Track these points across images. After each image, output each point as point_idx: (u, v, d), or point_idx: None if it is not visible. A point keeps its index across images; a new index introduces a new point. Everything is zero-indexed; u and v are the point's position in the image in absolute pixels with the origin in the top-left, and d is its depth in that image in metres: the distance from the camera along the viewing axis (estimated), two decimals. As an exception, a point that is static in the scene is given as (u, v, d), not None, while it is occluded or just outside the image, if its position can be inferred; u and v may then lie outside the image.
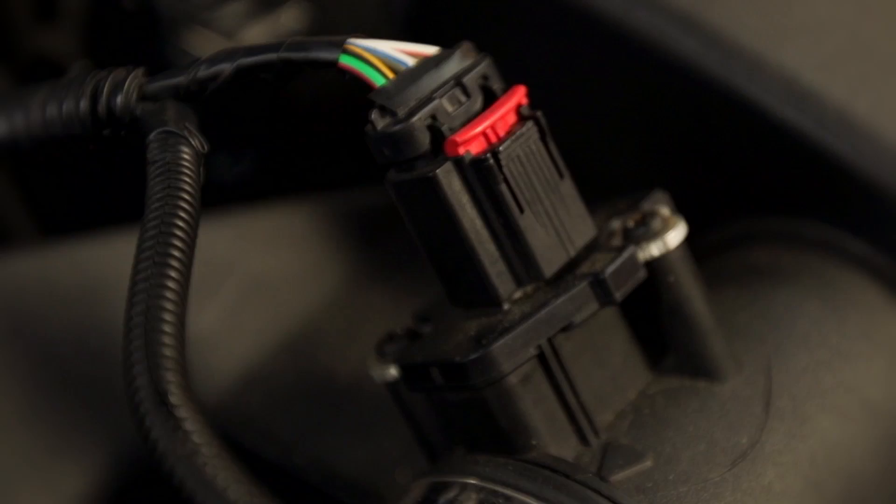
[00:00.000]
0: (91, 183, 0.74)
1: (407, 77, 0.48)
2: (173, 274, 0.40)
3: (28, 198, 0.76)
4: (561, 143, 0.49)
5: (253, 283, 0.68)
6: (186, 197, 0.43)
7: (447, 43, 0.50)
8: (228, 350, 0.66)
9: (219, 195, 0.71)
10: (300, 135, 0.75)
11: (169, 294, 0.40)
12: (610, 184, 0.61)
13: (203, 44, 0.73)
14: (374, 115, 0.48)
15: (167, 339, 0.39)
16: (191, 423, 0.37)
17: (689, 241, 0.51)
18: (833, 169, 0.57)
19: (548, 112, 0.49)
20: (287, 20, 0.74)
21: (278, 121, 0.75)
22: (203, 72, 0.48)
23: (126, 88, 0.49)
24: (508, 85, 0.49)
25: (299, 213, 0.71)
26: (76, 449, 0.63)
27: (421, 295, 0.54)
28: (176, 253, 0.41)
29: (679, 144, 0.61)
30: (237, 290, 0.68)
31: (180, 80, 0.49)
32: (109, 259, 0.64)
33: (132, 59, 0.74)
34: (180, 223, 0.42)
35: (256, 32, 0.73)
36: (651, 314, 0.51)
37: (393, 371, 0.51)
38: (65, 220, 0.77)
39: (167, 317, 0.39)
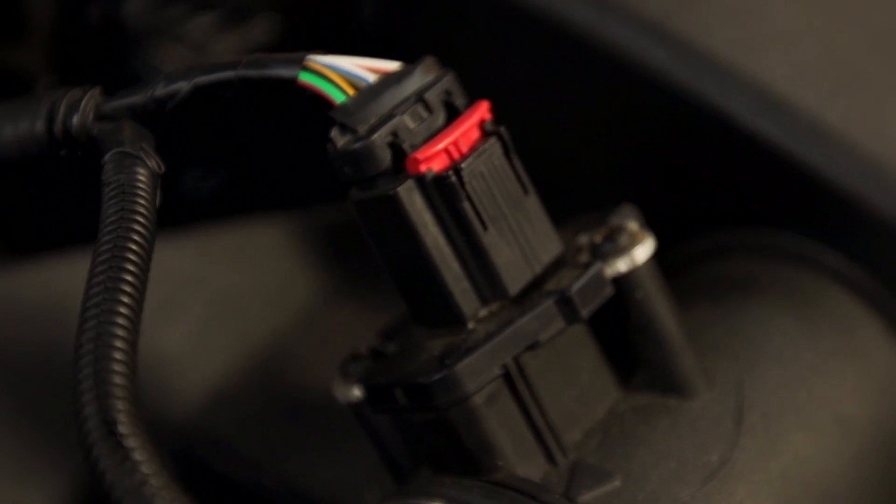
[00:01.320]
0: (56, 202, 0.73)
1: (368, 93, 0.47)
2: (125, 299, 0.40)
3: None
4: (528, 156, 0.49)
5: (221, 301, 0.67)
6: (141, 220, 0.42)
7: (416, 56, 0.49)
8: (196, 368, 0.66)
9: (189, 211, 0.71)
10: (270, 150, 0.75)
11: (120, 320, 0.39)
12: (579, 198, 0.60)
13: (172, 58, 0.73)
14: (335, 133, 0.47)
15: (117, 367, 0.38)
16: (140, 453, 0.36)
17: (659, 254, 0.50)
18: (805, 180, 0.56)
19: (515, 126, 0.48)
20: (257, 34, 0.73)
21: (248, 136, 0.74)
22: (160, 91, 0.48)
23: (82, 108, 0.48)
24: (473, 99, 0.49)
25: (268, 229, 0.71)
26: (38, 474, 0.62)
27: (390, 311, 0.53)
28: (128, 278, 0.40)
29: (650, 156, 0.61)
30: (205, 307, 0.67)
31: (137, 99, 0.48)
32: (74, 279, 0.63)
33: (100, 75, 0.74)
34: (133, 247, 0.41)
35: (225, 46, 0.72)
36: (620, 330, 0.51)
37: (357, 392, 0.50)
38: (28, 240, 0.77)
39: (118, 343, 0.38)
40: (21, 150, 0.48)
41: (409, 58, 0.49)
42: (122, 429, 0.37)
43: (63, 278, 0.65)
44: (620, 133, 0.61)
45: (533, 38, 0.60)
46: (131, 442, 0.37)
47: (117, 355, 0.38)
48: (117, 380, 0.38)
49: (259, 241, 0.70)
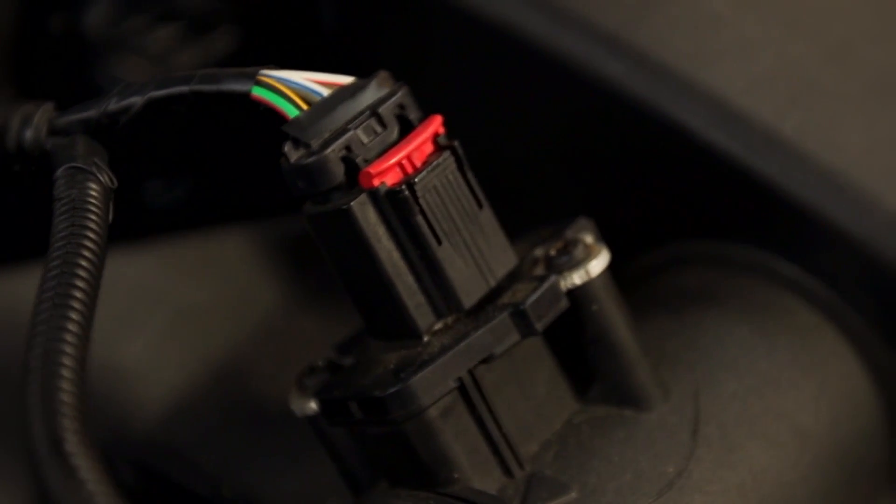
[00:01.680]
0: (10, 215, 0.73)
1: (321, 108, 0.47)
2: (74, 316, 0.40)
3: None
4: (483, 170, 0.49)
5: (181, 313, 0.67)
6: (91, 236, 0.42)
7: (375, 67, 0.49)
8: (156, 381, 0.66)
9: (148, 223, 0.71)
10: (230, 162, 0.74)
11: (68, 337, 0.39)
12: (534, 210, 0.60)
13: (132, 70, 0.73)
14: (288, 148, 0.47)
15: (64, 385, 0.38)
16: (85, 472, 0.36)
17: (616, 266, 0.50)
18: (761, 191, 0.57)
19: (470, 139, 0.48)
20: (218, 46, 0.73)
21: (207, 148, 0.74)
22: (114, 105, 0.48)
23: (35, 122, 0.48)
24: (427, 113, 0.49)
25: (228, 241, 0.71)
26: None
27: (351, 323, 0.53)
28: (77, 294, 0.40)
29: (606, 168, 0.61)
30: (165, 319, 0.67)
31: (91, 113, 0.48)
32: (28, 291, 0.63)
33: (60, 86, 0.73)
34: (83, 263, 0.41)
35: (186, 58, 0.72)
36: (576, 343, 0.51)
37: (313, 405, 0.50)
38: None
39: (66, 360, 0.38)
40: (-25, 164, 0.48)
41: (369, 69, 0.49)
42: (69, 447, 0.37)
43: (16, 290, 0.65)
44: (576, 145, 0.61)
45: (489, 50, 0.61)
46: (76, 460, 0.37)
47: (65, 372, 0.38)
48: (64, 397, 0.38)
49: (219, 253, 0.70)
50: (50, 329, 0.39)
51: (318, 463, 0.55)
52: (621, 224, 0.55)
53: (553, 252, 0.50)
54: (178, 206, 0.74)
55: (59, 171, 0.45)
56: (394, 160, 0.47)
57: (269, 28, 0.73)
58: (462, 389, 0.48)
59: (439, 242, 0.47)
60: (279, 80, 0.47)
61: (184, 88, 0.47)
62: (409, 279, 0.48)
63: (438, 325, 0.48)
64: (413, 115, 0.48)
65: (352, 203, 0.46)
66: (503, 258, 0.49)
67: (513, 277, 0.50)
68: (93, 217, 0.43)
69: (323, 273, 0.68)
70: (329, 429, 0.51)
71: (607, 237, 0.52)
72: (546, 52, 0.59)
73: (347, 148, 0.47)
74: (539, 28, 0.59)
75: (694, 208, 0.59)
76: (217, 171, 0.75)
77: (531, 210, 0.60)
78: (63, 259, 0.41)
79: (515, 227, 0.51)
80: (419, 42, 0.64)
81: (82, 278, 0.41)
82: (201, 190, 0.75)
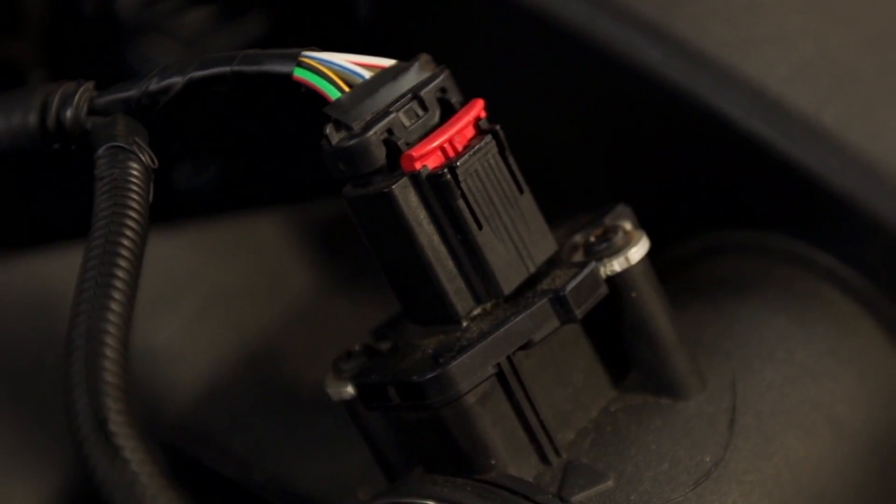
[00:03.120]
0: (48, 195, 0.73)
1: (363, 90, 0.47)
2: (116, 296, 0.39)
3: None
4: (522, 156, 0.48)
5: (214, 296, 0.67)
6: (133, 215, 0.42)
7: (409, 52, 0.49)
8: (188, 364, 0.65)
9: (182, 205, 0.71)
10: (264, 144, 0.74)
11: (111, 317, 0.39)
12: (573, 197, 0.60)
13: (164, 52, 0.72)
14: (329, 130, 0.47)
15: (108, 364, 0.38)
16: (130, 452, 0.36)
17: (653, 254, 0.50)
18: (800, 181, 0.56)
19: (509, 124, 0.48)
20: (250, 29, 0.73)
21: (242, 130, 0.74)
22: (154, 85, 0.48)
23: (76, 102, 0.48)
24: (468, 97, 0.48)
25: (261, 224, 0.71)
26: (28, 468, 0.62)
27: (385, 307, 0.53)
28: (120, 273, 0.40)
29: (644, 156, 0.60)
30: (197, 302, 0.67)
31: (131, 93, 0.48)
32: (66, 272, 0.63)
33: (94, 67, 0.73)
34: (126, 242, 0.41)
35: (219, 41, 0.72)
36: (614, 330, 0.50)
37: (350, 389, 0.50)
38: (19, 233, 0.76)
39: (109, 340, 0.38)
40: (13, 142, 0.48)
41: (403, 54, 0.49)
42: (113, 426, 0.36)
43: (54, 272, 0.65)
44: (615, 133, 0.61)
45: (528, 36, 0.60)
46: (121, 440, 0.36)
47: (108, 352, 0.38)
48: (108, 377, 0.37)
49: (252, 236, 0.70)
50: (94, 308, 0.39)
51: (350, 447, 0.55)
52: (658, 212, 0.55)
53: (592, 238, 0.50)
54: (209, 188, 0.74)
55: (101, 151, 0.45)
56: (436, 143, 0.47)
57: (303, 12, 0.73)
58: (500, 375, 0.48)
59: (480, 227, 0.47)
60: (321, 61, 0.47)
61: (225, 69, 0.47)
62: (449, 264, 0.47)
63: (477, 311, 0.48)
64: (454, 98, 0.48)
65: (393, 186, 0.46)
66: (543, 244, 0.49)
67: (552, 263, 0.49)
68: (135, 196, 0.43)
69: (355, 256, 0.68)
70: (365, 413, 0.51)
71: (644, 225, 0.51)
72: (584, 38, 0.58)
73: (389, 131, 0.46)
74: (578, 14, 0.59)
75: (731, 197, 0.59)
76: (249, 153, 0.75)
77: (568, 196, 0.60)
78: (106, 238, 0.41)
79: (552, 213, 0.50)
80: (455, 27, 0.63)
81: (125, 258, 0.41)
82: (233, 172, 0.75)
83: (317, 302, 0.68)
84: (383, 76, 0.48)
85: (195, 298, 0.67)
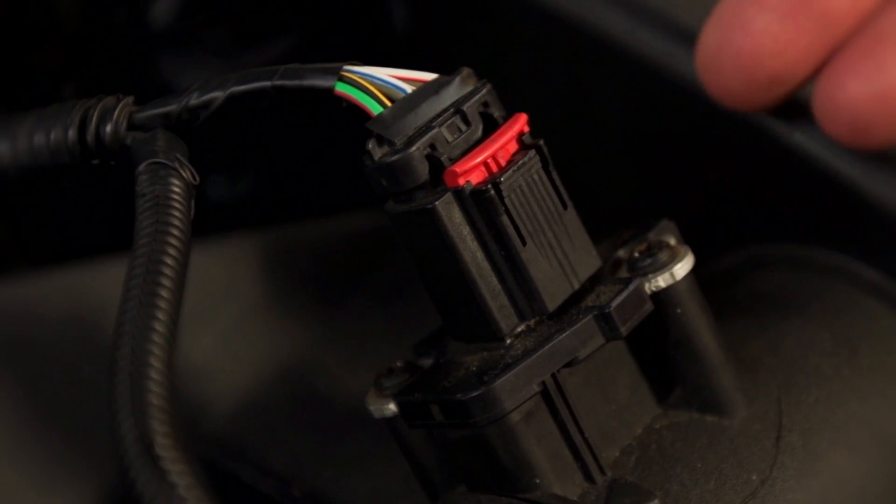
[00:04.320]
0: (85, 208, 0.73)
1: (405, 104, 0.47)
2: (161, 316, 0.39)
3: (18, 225, 0.75)
4: (564, 169, 0.48)
5: (250, 310, 0.67)
6: (176, 233, 0.42)
7: (446, 66, 0.48)
8: (225, 379, 0.65)
9: (218, 217, 0.70)
10: (300, 156, 0.74)
11: (156, 337, 0.38)
12: (614, 210, 0.59)
13: (198, 63, 0.72)
14: (372, 145, 0.46)
15: (153, 386, 0.37)
16: (177, 475, 0.36)
17: (696, 268, 0.49)
18: (844, 194, 0.55)
19: (550, 138, 0.47)
20: (285, 44, 0.72)
21: (278, 142, 0.74)
22: (195, 100, 0.47)
23: (115, 117, 0.47)
24: (510, 112, 0.48)
25: (298, 237, 0.70)
26: (64, 484, 0.61)
27: (422, 322, 0.52)
28: (163, 293, 0.40)
29: (686, 168, 0.60)
30: (234, 316, 0.66)
31: (171, 108, 0.47)
32: (102, 286, 0.63)
33: (126, 78, 0.73)
34: (169, 261, 0.41)
35: (253, 55, 0.72)
36: (658, 346, 0.50)
37: (392, 406, 0.49)
38: (57, 247, 0.76)
39: (154, 361, 0.38)
40: (53, 158, 0.48)
41: (440, 66, 0.49)
42: (160, 449, 0.36)
43: (89, 284, 0.65)
44: (656, 145, 0.60)
45: (567, 48, 0.60)
46: (168, 463, 0.36)
47: (153, 374, 0.38)
48: (154, 399, 0.37)
49: (289, 248, 0.70)
50: (138, 329, 0.38)
51: (390, 463, 0.55)
52: (701, 225, 0.54)
53: (637, 254, 0.49)
54: (244, 200, 0.73)
55: (142, 167, 0.45)
56: (479, 159, 0.46)
57: (339, 24, 0.72)
58: (545, 393, 0.47)
59: (524, 243, 0.46)
60: (363, 75, 0.47)
61: (266, 83, 0.47)
62: (493, 280, 0.47)
63: (521, 328, 0.47)
64: (497, 112, 0.48)
65: (437, 202, 0.46)
66: (587, 260, 0.48)
67: (595, 279, 0.49)
68: (177, 213, 0.43)
69: (392, 270, 0.68)
70: (407, 431, 0.50)
71: (686, 238, 0.51)
72: (625, 49, 0.58)
73: (432, 146, 0.46)
74: (618, 25, 0.58)
75: (775, 210, 0.58)
76: (285, 164, 0.75)
77: (609, 210, 0.59)
78: (149, 256, 0.41)
79: (594, 226, 0.50)
80: (494, 39, 0.63)
81: (168, 276, 0.40)
82: (269, 183, 0.74)
83: (354, 315, 0.68)
84: (425, 90, 0.47)
85: (232, 312, 0.66)
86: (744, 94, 0.53)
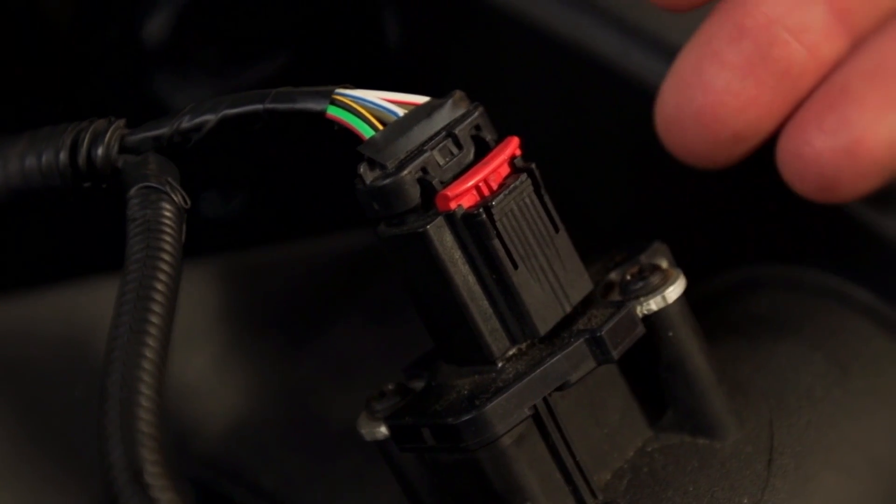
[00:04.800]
0: (75, 228, 0.73)
1: (396, 128, 0.47)
2: (151, 342, 0.39)
3: (9, 245, 0.75)
4: (555, 191, 0.48)
5: (242, 330, 0.67)
6: (167, 258, 0.42)
7: (440, 85, 0.48)
8: (217, 399, 0.65)
9: (208, 236, 0.70)
10: (291, 175, 0.74)
11: (146, 364, 0.38)
12: (607, 231, 0.59)
13: (191, 82, 0.72)
14: (363, 169, 0.46)
15: (143, 414, 0.37)
16: (167, 503, 0.36)
17: (688, 289, 0.49)
18: (836, 215, 0.55)
19: (542, 159, 0.47)
20: (278, 62, 0.72)
21: (269, 161, 0.73)
22: (186, 123, 0.47)
23: (107, 140, 0.47)
24: (502, 134, 0.48)
25: (290, 256, 0.70)
26: (55, 504, 0.61)
27: (415, 342, 0.52)
28: (154, 319, 0.40)
29: (679, 189, 0.60)
30: (226, 336, 0.66)
31: (163, 131, 0.47)
32: (96, 307, 0.63)
33: (118, 95, 0.73)
34: (159, 286, 0.41)
35: (246, 73, 0.72)
36: (649, 369, 0.50)
37: (383, 430, 0.49)
38: (50, 267, 0.76)
39: (144, 389, 0.38)
40: (44, 180, 0.48)
41: (433, 88, 0.49)
42: (150, 477, 0.36)
43: (82, 306, 0.65)
44: (647, 166, 0.60)
45: (560, 69, 0.60)
46: (158, 491, 0.36)
47: (143, 401, 0.37)
48: (144, 427, 0.37)
49: (281, 268, 0.70)
50: (128, 355, 0.38)
51: (382, 484, 0.55)
52: (693, 246, 0.54)
53: (628, 277, 0.49)
54: (236, 219, 0.73)
55: (133, 191, 0.45)
56: (471, 183, 0.46)
57: (332, 46, 0.72)
58: (536, 417, 0.47)
59: (516, 267, 0.46)
60: (354, 99, 0.47)
61: (258, 107, 0.47)
62: (484, 304, 0.47)
63: (512, 351, 0.47)
64: (489, 136, 0.48)
65: (428, 227, 0.46)
66: (579, 283, 0.48)
67: (587, 303, 0.49)
68: (168, 238, 0.43)
69: (385, 291, 0.68)
70: (399, 454, 0.50)
71: (676, 258, 0.51)
72: (618, 71, 0.58)
73: (423, 170, 0.46)
74: (611, 46, 0.58)
75: (767, 231, 0.58)
76: (277, 183, 0.74)
77: (602, 231, 0.59)
78: (139, 282, 0.41)
79: (585, 248, 0.50)
80: (486, 60, 0.63)
81: (159, 303, 0.40)
82: (260, 203, 0.74)
83: (347, 336, 0.67)
84: (417, 114, 0.47)
85: (223, 332, 0.66)
86: (706, 153, 0.53)
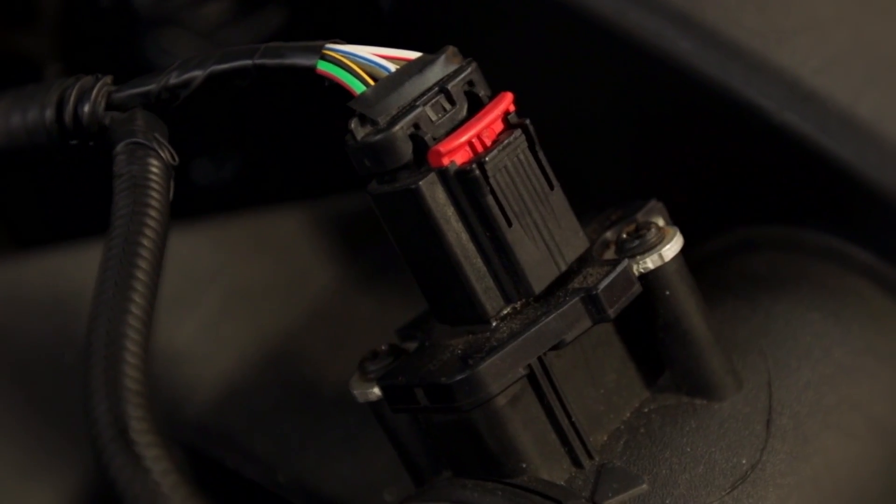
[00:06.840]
0: (66, 191, 0.72)
1: (388, 83, 0.46)
2: (136, 298, 0.38)
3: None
4: (550, 150, 0.47)
5: (235, 294, 0.66)
6: (153, 214, 0.41)
7: (433, 46, 0.48)
8: (209, 363, 0.64)
9: (202, 200, 0.70)
10: (285, 139, 0.73)
11: (131, 320, 0.38)
12: (601, 191, 0.59)
13: (182, 44, 0.71)
14: (354, 125, 0.45)
15: (129, 370, 0.36)
16: (152, 460, 0.35)
17: (686, 249, 0.49)
18: (836, 174, 0.55)
19: (537, 118, 0.47)
20: (269, 23, 0.72)
21: (262, 124, 0.73)
22: (174, 79, 0.46)
23: (94, 97, 0.47)
24: (494, 90, 0.47)
25: (283, 220, 0.69)
26: (46, 470, 0.61)
27: (409, 304, 0.52)
28: (140, 275, 0.39)
29: (675, 149, 0.59)
30: (219, 300, 0.66)
31: (151, 87, 0.47)
32: (84, 270, 0.62)
33: (110, 60, 0.72)
34: (145, 242, 0.40)
35: (237, 35, 0.71)
36: (647, 329, 0.49)
37: (376, 390, 0.49)
38: (35, 231, 0.75)
39: (129, 345, 0.37)
40: (30, 138, 0.47)
41: (427, 46, 0.48)
42: (135, 434, 0.35)
43: (70, 269, 0.64)
44: (645, 126, 0.60)
45: (556, 27, 0.59)
46: (144, 447, 0.35)
47: (129, 357, 0.37)
48: (129, 383, 0.36)
49: (274, 232, 0.69)
50: (113, 311, 0.38)
51: (376, 448, 0.54)
52: (691, 207, 0.53)
53: (624, 235, 0.49)
54: (229, 183, 0.73)
55: (119, 147, 0.44)
56: (464, 138, 0.45)
57: (325, 5, 0.72)
58: (531, 377, 0.46)
59: (510, 224, 0.46)
60: (345, 54, 0.46)
61: (247, 62, 0.46)
62: (478, 262, 0.46)
63: (507, 310, 0.47)
64: (482, 91, 0.47)
65: (420, 182, 0.45)
66: (574, 241, 0.48)
67: (583, 261, 0.48)
68: (154, 195, 0.42)
69: (379, 254, 0.67)
70: (392, 415, 0.49)
71: (675, 220, 0.50)
72: (615, 29, 0.57)
73: (416, 125, 0.45)
74: (607, 5, 0.57)
75: (764, 191, 0.58)
76: (269, 146, 0.74)
77: (596, 190, 0.58)
78: (125, 238, 0.40)
79: (581, 207, 0.49)
80: (481, 18, 0.62)
81: (145, 258, 0.40)
82: (253, 167, 0.74)
83: (340, 299, 0.67)
84: (409, 69, 0.46)
85: (216, 296, 0.66)
86: None
